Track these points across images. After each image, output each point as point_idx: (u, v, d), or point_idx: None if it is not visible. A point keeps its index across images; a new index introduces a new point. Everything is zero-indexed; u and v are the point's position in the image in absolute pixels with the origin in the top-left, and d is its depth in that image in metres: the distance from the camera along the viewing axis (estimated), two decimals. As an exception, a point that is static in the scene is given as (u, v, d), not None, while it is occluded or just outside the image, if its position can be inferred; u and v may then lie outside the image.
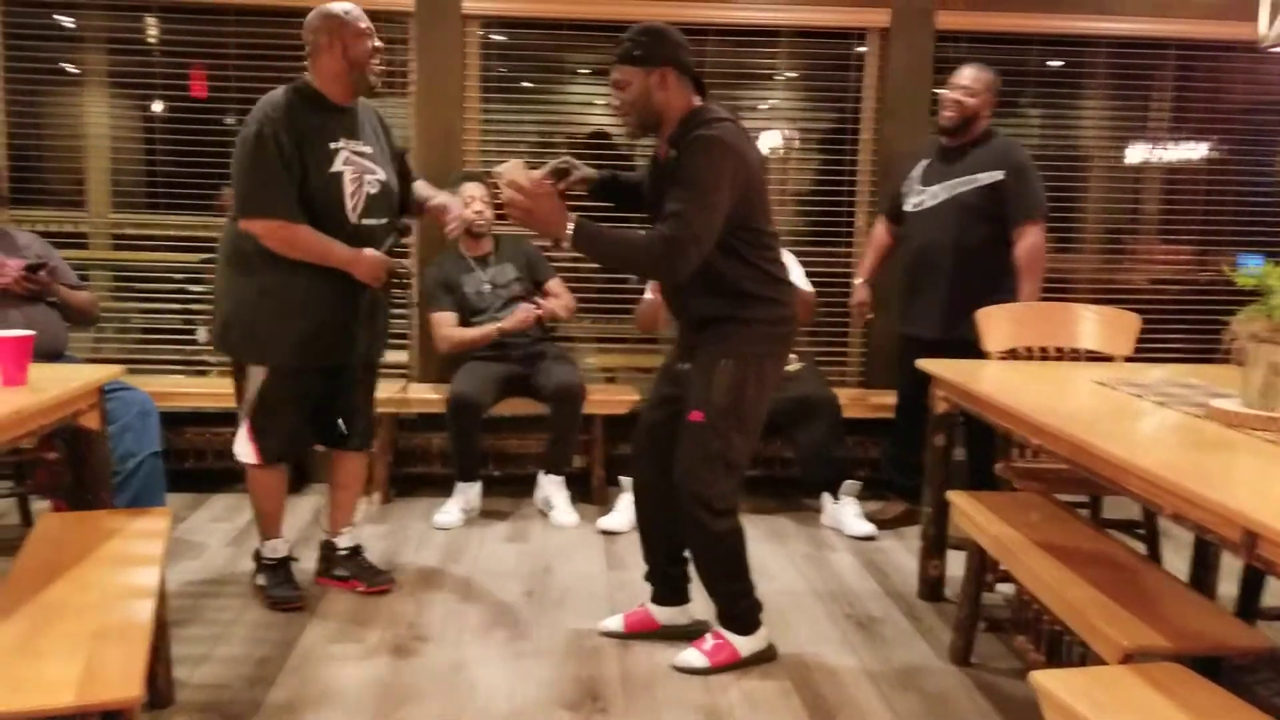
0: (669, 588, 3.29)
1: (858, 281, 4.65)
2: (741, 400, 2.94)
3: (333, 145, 3.20)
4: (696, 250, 2.77)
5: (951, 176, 4.16)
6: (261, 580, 3.53)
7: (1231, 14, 4.88)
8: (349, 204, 3.22)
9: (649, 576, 3.31)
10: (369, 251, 3.24)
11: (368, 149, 3.30)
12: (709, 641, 3.10)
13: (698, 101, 2.94)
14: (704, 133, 2.79)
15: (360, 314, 3.35)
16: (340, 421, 3.51)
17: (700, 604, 3.29)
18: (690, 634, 3.22)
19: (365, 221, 3.27)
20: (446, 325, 4.50)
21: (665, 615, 3.30)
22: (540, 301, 4.54)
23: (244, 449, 3.39)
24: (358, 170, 3.25)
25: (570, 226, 2.77)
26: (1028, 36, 5.05)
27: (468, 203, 4.43)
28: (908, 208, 4.31)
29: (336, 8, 3.22)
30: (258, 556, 3.55)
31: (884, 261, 4.61)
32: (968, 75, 4.14)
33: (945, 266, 4.16)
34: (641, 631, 3.28)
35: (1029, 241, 4.05)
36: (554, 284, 4.65)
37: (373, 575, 3.62)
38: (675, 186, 2.78)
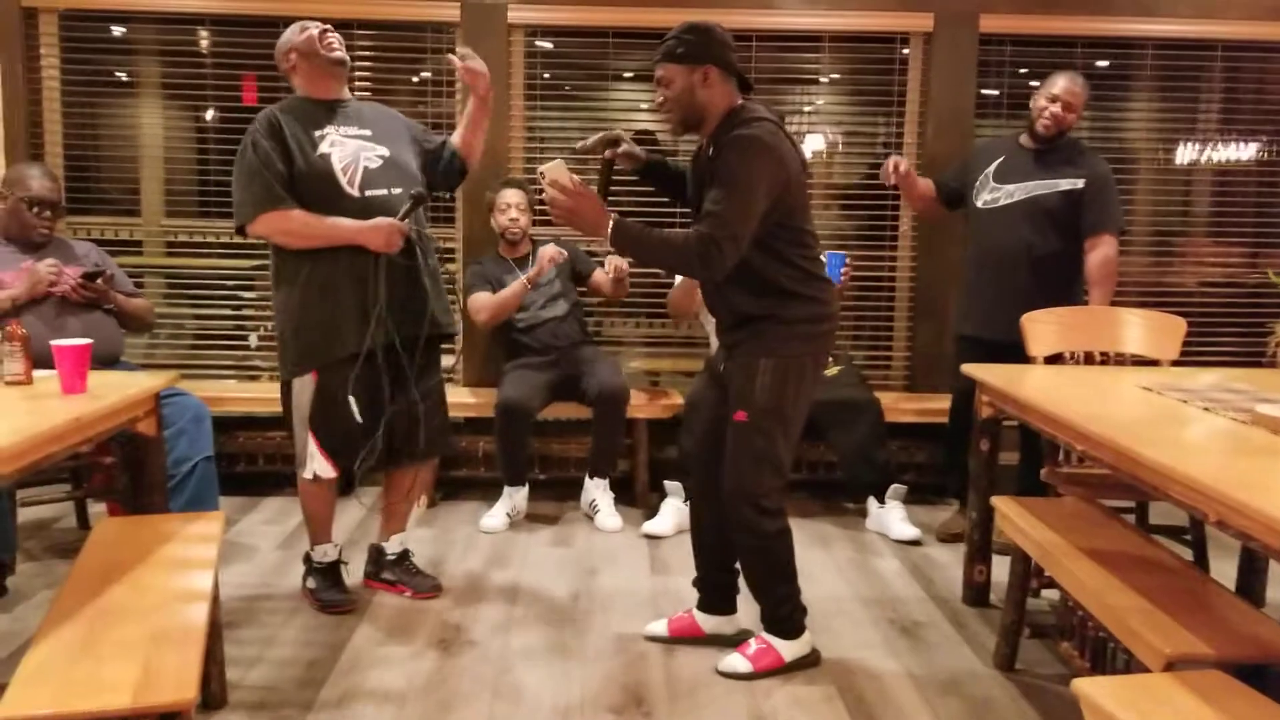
0: (717, 595, 3.30)
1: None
2: (783, 399, 2.95)
3: (318, 133, 3.29)
4: (734, 249, 2.79)
5: (1031, 178, 4.10)
6: (312, 584, 3.58)
7: (1274, 15, 4.81)
8: (342, 178, 3.26)
9: (697, 583, 3.32)
10: (377, 220, 3.24)
11: (363, 132, 3.36)
12: (753, 646, 3.12)
13: (740, 100, 2.96)
14: (743, 132, 2.81)
15: (394, 293, 3.29)
16: (413, 418, 3.44)
17: (745, 615, 3.31)
18: (734, 643, 3.22)
19: (370, 193, 3.29)
20: (480, 300, 4.54)
21: (711, 624, 3.31)
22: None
23: (320, 465, 3.38)
24: (349, 149, 3.31)
25: (610, 225, 2.81)
26: (1072, 38, 5.02)
27: (503, 209, 4.50)
28: (978, 203, 4.21)
29: (285, 36, 3.40)
30: (308, 560, 3.61)
31: (921, 202, 4.49)
32: (1066, 87, 4.03)
33: (1017, 269, 4.09)
34: (685, 637, 3.30)
35: (1103, 252, 4.01)
36: (598, 274, 4.69)
37: (420, 581, 3.67)
38: (713, 185, 2.81)
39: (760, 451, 2.95)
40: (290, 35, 3.37)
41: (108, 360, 3.77)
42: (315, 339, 3.29)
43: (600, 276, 4.64)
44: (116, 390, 2.70)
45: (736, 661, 3.09)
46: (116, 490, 3.19)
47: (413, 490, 3.71)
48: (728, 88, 2.93)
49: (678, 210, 4.77)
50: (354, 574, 3.71)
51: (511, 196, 4.57)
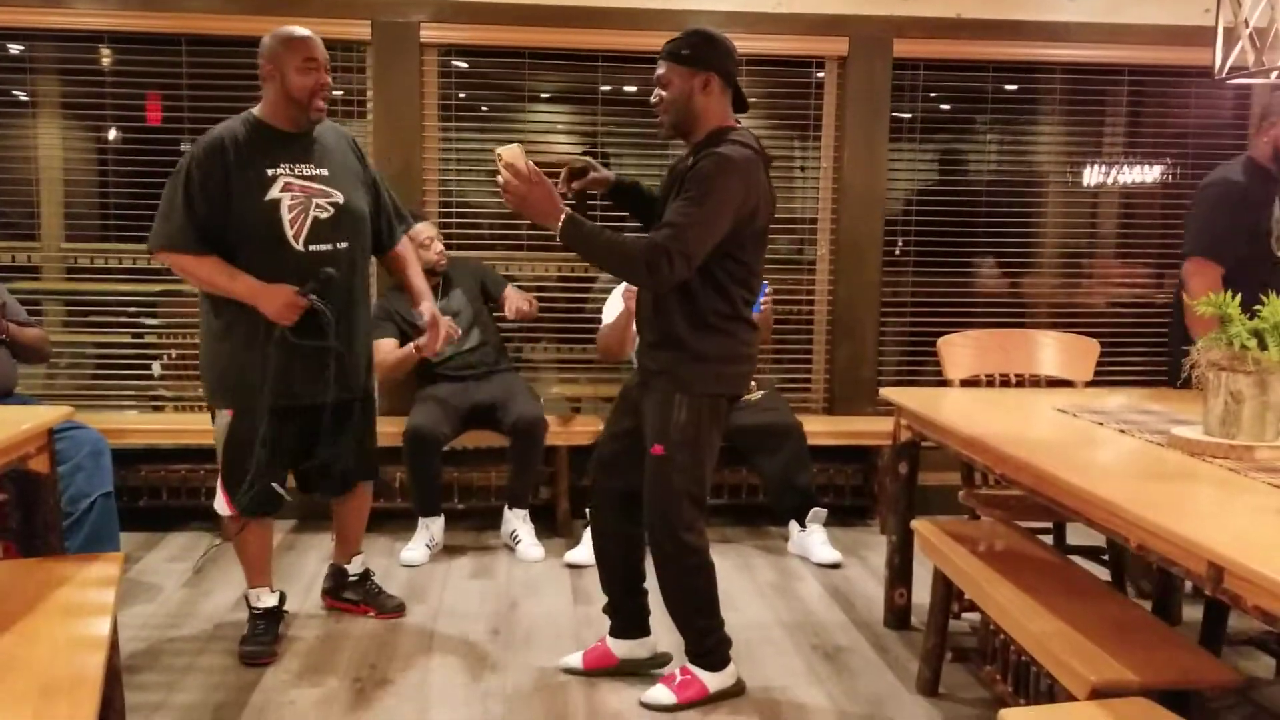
0: (628, 620, 3.25)
1: None
2: (699, 434, 2.92)
3: (270, 172, 3.13)
4: (685, 265, 2.75)
5: None
6: (246, 630, 3.42)
7: (1181, 40, 4.95)
8: (289, 231, 3.13)
9: (608, 609, 3.26)
10: (278, 287, 3.10)
11: (321, 171, 3.22)
12: (678, 677, 3.06)
13: (733, 121, 2.93)
14: (722, 150, 2.78)
15: (289, 360, 3.17)
16: (326, 467, 3.38)
17: (662, 635, 3.26)
18: (652, 666, 3.21)
19: (315, 248, 3.17)
20: (381, 352, 4.35)
21: (623, 649, 3.24)
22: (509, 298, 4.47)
23: (218, 501, 3.33)
24: (301, 194, 3.16)
25: (561, 218, 2.75)
26: (984, 63, 5.09)
27: (426, 244, 4.37)
28: None
29: (286, 32, 3.18)
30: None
31: None
32: None
33: None
34: (602, 668, 3.23)
35: None
36: (509, 290, 4.57)
37: (384, 601, 3.69)
38: (680, 198, 2.78)
39: (678, 486, 2.92)
40: (284, 49, 3.14)
41: (1, 393, 3.61)
42: (230, 379, 3.24)
43: (511, 294, 4.54)
44: (4, 427, 2.57)
45: (660, 694, 3.03)
46: (9, 530, 3.04)
47: (353, 513, 3.66)
48: (725, 101, 2.91)
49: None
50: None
51: (429, 230, 4.46)
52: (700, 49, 2.85)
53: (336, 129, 3.40)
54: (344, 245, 3.23)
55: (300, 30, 3.18)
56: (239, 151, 3.12)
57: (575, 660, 3.27)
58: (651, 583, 3.12)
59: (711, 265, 2.83)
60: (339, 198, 3.23)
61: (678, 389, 2.90)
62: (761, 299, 4.08)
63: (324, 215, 3.19)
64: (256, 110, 3.23)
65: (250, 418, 3.18)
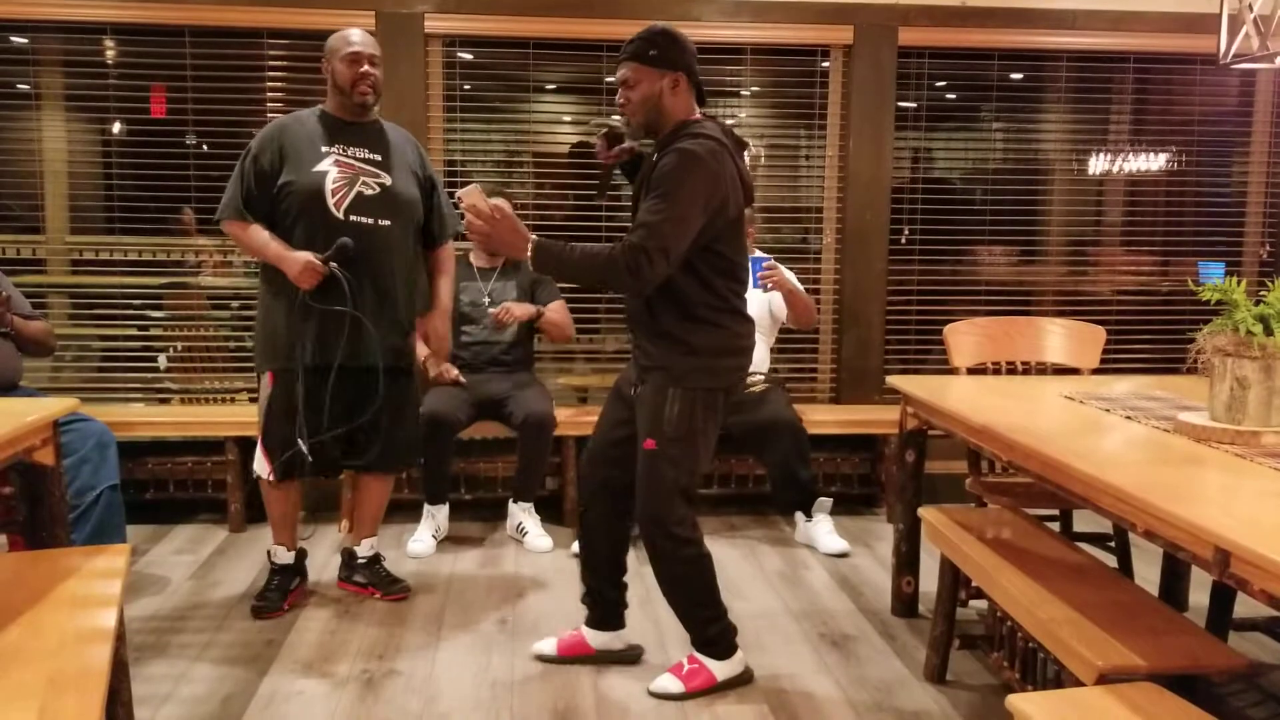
0: (606, 612, 3.24)
1: None
2: (692, 428, 2.90)
3: (324, 149, 3.41)
4: (663, 261, 2.74)
5: None
6: (262, 584, 3.70)
7: (1187, 27, 4.93)
8: (330, 199, 3.36)
9: (586, 599, 3.26)
10: (300, 253, 3.33)
11: (374, 156, 3.47)
12: (686, 666, 3.07)
13: (697, 114, 2.92)
14: (685, 145, 2.77)
15: (318, 325, 3.40)
16: (370, 441, 3.56)
17: (635, 628, 3.30)
18: (625, 660, 3.24)
19: (356, 218, 3.39)
20: None
21: (600, 640, 3.25)
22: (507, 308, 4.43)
23: (259, 464, 3.53)
24: (349, 170, 3.41)
25: (530, 247, 2.79)
26: (990, 50, 5.08)
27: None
28: None
29: (340, 34, 3.48)
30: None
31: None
32: None
33: None
34: (575, 655, 3.25)
35: None
36: (555, 306, 4.54)
37: (389, 584, 3.78)
38: (649, 197, 2.77)
39: (670, 480, 2.91)
40: (336, 45, 3.45)
41: (6, 386, 3.61)
42: (272, 343, 3.46)
43: (552, 313, 4.51)
44: (10, 419, 2.56)
45: (668, 682, 3.04)
46: (16, 522, 3.04)
47: (373, 498, 3.78)
48: (690, 98, 2.91)
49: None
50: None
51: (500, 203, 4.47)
52: (667, 50, 2.84)
53: (404, 133, 3.66)
54: (386, 223, 3.44)
55: (354, 33, 3.47)
56: (299, 132, 3.43)
57: (549, 646, 3.28)
58: (635, 578, 3.11)
59: (694, 259, 2.83)
60: (387, 180, 3.46)
61: (670, 382, 2.89)
62: (758, 271, 4.12)
63: (370, 192, 3.43)
64: (325, 104, 3.53)
65: (287, 380, 3.41)
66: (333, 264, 3.34)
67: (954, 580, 3.11)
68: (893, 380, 3.56)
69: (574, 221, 5.02)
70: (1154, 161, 5.36)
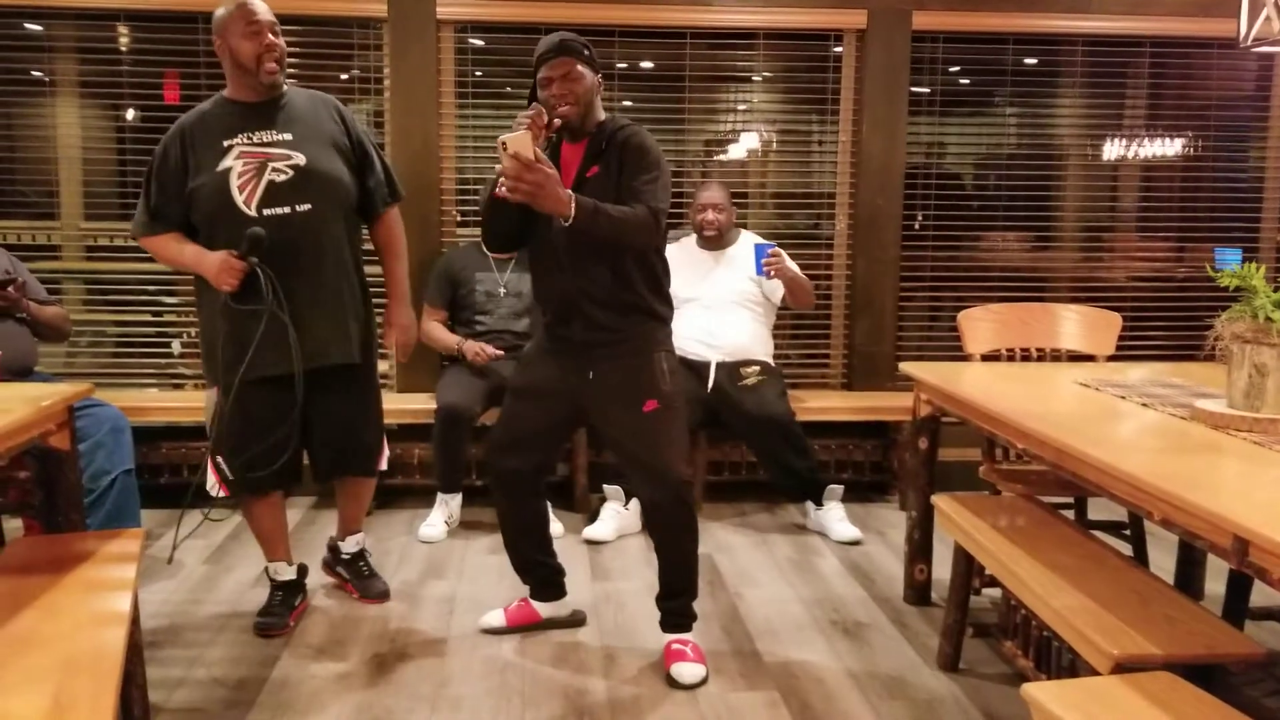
0: (546, 581, 3.38)
1: None
2: (679, 387, 3.07)
3: (226, 143, 3.10)
4: (664, 222, 2.92)
5: None
6: (265, 601, 3.49)
7: (1205, 11, 4.89)
8: (238, 197, 3.07)
9: (524, 571, 3.37)
10: (215, 253, 3.05)
11: (283, 136, 3.13)
12: (688, 650, 3.09)
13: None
14: (635, 129, 2.96)
15: (243, 328, 3.09)
16: (321, 449, 3.35)
17: (575, 595, 3.47)
18: (571, 624, 3.40)
19: (270, 210, 3.08)
20: (428, 320, 4.48)
21: (547, 610, 3.40)
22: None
23: (208, 479, 3.28)
24: (255, 158, 3.10)
25: (573, 203, 2.70)
26: (1004, 35, 5.04)
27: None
28: None
29: (231, 2, 3.10)
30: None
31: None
32: None
33: None
34: (525, 625, 3.37)
35: None
36: None
37: (368, 585, 3.64)
38: (635, 171, 2.88)
39: (677, 434, 3.05)
40: (230, 19, 3.08)
41: (21, 371, 3.62)
42: (210, 356, 3.24)
43: None
44: (25, 403, 2.57)
45: (692, 670, 3.03)
46: (31, 506, 3.05)
47: (352, 497, 3.64)
48: None
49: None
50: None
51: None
52: (592, 51, 2.99)
53: (314, 96, 3.30)
54: (306, 207, 3.12)
55: (251, 1, 3.10)
56: (199, 130, 3.14)
57: (497, 619, 3.38)
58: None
59: None
60: (300, 159, 3.13)
61: (652, 347, 3.02)
62: (763, 258, 4.13)
63: (281, 178, 3.11)
64: (225, 90, 3.22)
65: (227, 392, 3.12)
66: (252, 259, 3.02)
67: (967, 568, 3.10)
68: (906, 367, 3.55)
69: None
70: (1170, 146, 5.32)
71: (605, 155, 2.91)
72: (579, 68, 2.93)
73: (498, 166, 2.71)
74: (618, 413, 3.03)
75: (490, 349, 4.37)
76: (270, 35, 3.09)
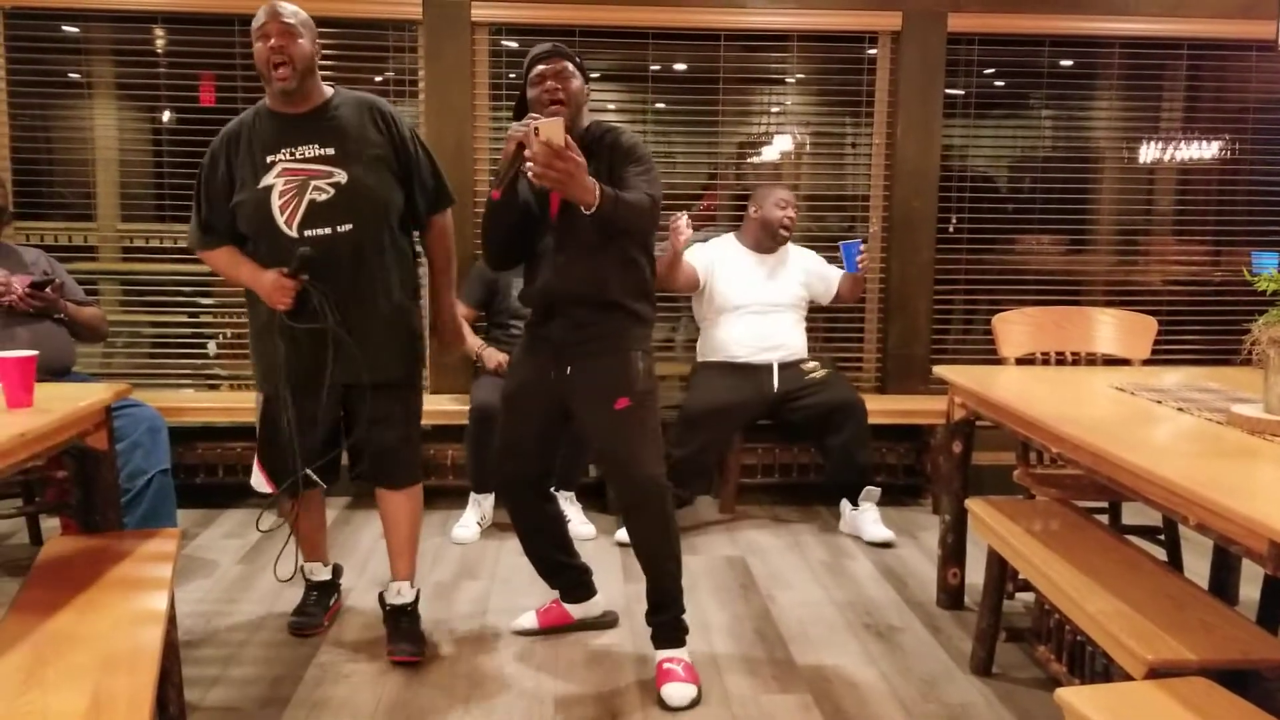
0: (573, 582, 3.40)
1: None
2: (654, 385, 3.09)
3: (270, 159, 3.03)
4: (659, 211, 3.00)
5: None
6: (300, 600, 3.51)
7: (1242, 13, 4.84)
8: (279, 217, 3.00)
9: (549, 576, 3.39)
10: (268, 272, 3.01)
11: (326, 150, 3.03)
12: (679, 670, 3.00)
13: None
14: (621, 129, 3.07)
15: (295, 345, 3.06)
16: (356, 454, 3.30)
17: (607, 596, 3.50)
18: (603, 625, 3.42)
19: (311, 231, 3.00)
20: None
21: (579, 611, 3.42)
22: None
23: (255, 478, 3.30)
24: (296, 178, 3.01)
25: (598, 190, 2.71)
26: (1040, 37, 5.01)
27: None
28: None
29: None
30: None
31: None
32: None
33: None
34: (557, 626, 3.39)
35: None
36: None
37: (398, 643, 3.22)
38: (628, 165, 2.94)
39: (651, 430, 3.03)
40: (255, 25, 3.01)
41: (59, 371, 3.67)
42: (260, 365, 3.21)
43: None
44: (64, 403, 2.60)
45: (681, 691, 2.94)
46: (69, 505, 3.09)
47: (393, 521, 3.31)
48: None
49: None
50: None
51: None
52: (581, 61, 3.08)
53: (361, 100, 3.16)
54: (346, 228, 3.02)
55: (267, 6, 3.01)
56: (245, 142, 3.07)
57: (529, 621, 3.40)
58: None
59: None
60: (341, 177, 3.02)
61: (630, 345, 3.02)
62: (857, 255, 4.17)
63: (322, 198, 3.01)
64: (267, 99, 3.13)
65: (276, 402, 3.14)
66: (303, 277, 2.98)
67: (1001, 572, 3.08)
68: (940, 370, 3.53)
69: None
70: (1207, 149, 5.27)
71: (594, 156, 2.92)
72: (571, 68, 3.00)
73: (498, 166, 2.78)
74: (591, 409, 3.02)
75: (496, 357, 4.44)
76: (276, 37, 2.95)
